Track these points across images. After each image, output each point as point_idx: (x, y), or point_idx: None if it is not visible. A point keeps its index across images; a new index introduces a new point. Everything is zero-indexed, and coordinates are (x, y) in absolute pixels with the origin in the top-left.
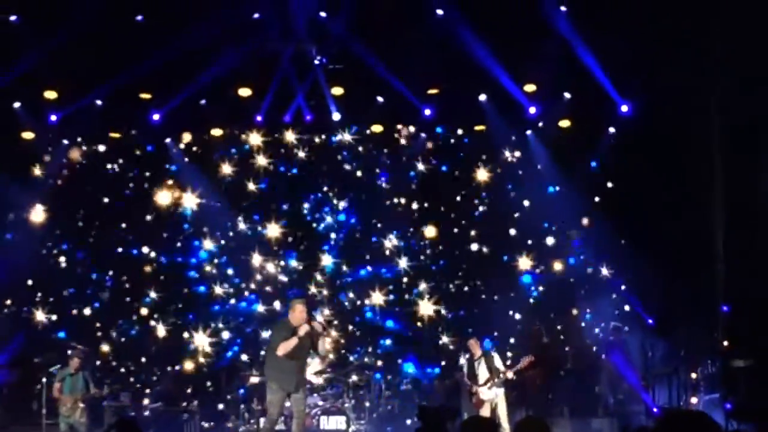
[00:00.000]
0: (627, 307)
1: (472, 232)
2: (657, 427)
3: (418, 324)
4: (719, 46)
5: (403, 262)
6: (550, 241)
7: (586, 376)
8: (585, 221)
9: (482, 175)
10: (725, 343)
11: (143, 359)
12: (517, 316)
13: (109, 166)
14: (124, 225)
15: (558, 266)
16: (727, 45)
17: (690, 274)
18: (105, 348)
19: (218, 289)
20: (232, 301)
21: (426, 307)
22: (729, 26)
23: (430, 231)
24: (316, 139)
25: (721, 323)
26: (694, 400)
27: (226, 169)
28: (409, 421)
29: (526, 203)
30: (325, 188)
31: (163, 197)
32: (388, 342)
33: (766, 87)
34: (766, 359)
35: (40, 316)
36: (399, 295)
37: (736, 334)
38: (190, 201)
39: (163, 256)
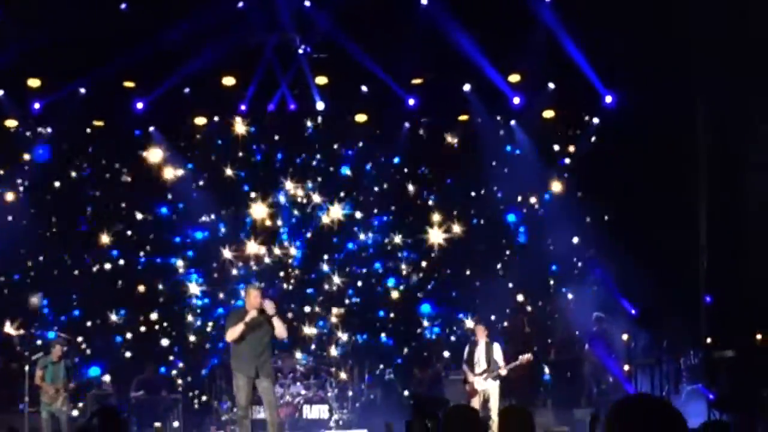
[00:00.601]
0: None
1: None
2: (612, 413)
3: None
4: (705, 37)
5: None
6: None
7: (569, 367)
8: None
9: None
10: (708, 334)
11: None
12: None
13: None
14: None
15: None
16: (713, 36)
17: (673, 265)
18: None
19: (193, 287)
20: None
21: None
22: (715, 18)
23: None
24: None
25: (704, 314)
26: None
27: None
28: (391, 411)
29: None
30: (294, 180)
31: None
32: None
33: (752, 80)
34: (747, 350)
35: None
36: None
37: (718, 324)
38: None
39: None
